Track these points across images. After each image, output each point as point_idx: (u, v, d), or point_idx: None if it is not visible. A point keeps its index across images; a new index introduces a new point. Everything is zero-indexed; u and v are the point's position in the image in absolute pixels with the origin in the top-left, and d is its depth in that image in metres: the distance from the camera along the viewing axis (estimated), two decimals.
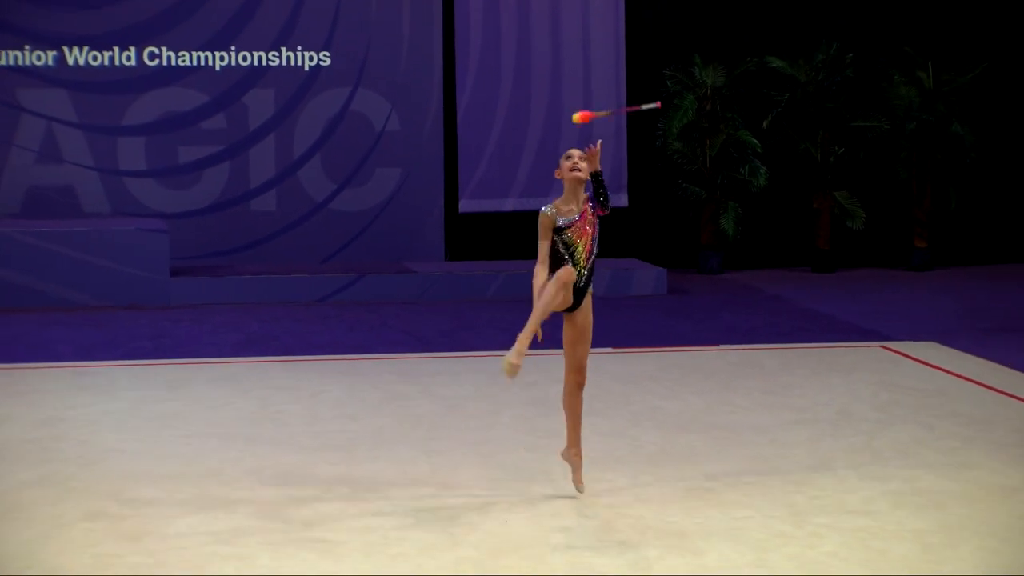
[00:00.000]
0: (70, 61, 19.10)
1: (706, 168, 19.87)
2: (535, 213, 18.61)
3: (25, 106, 18.98)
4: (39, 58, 19.04)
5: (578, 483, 9.62)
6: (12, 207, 18.93)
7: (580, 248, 9.16)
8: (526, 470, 10.39)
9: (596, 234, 9.25)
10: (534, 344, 9.12)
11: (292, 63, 19.47)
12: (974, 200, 20.73)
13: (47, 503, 9.71)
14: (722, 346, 14.97)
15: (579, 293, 9.15)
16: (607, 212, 9.27)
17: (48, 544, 8.91)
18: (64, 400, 12.63)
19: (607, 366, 13.97)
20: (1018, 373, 13.50)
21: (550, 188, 19.61)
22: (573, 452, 9.60)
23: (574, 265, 9.13)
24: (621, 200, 19.93)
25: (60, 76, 19.04)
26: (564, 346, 9.33)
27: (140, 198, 19.14)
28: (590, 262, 9.23)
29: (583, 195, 9.23)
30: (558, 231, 9.16)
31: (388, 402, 12.54)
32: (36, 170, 19.02)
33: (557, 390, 13.78)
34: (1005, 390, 12.83)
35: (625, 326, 16.21)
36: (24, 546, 8.88)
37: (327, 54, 19.51)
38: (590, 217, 9.23)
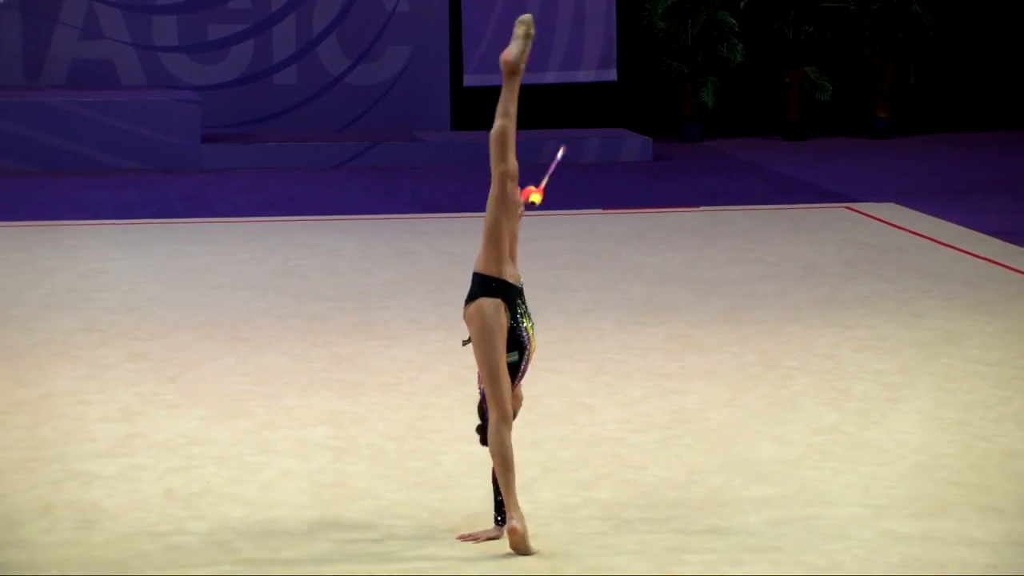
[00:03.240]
0: None
1: (688, 46, 19.73)
2: (531, 87, 18.47)
3: None
4: None
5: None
6: (57, 79, 18.81)
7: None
8: None
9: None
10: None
11: None
12: (932, 74, 20.60)
13: (91, 347, 9.75)
14: (702, 208, 14.95)
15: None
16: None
17: (93, 383, 8.95)
18: (105, 254, 12.63)
19: (598, 226, 13.96)
20: (969, 231, 13.50)
21: (546, 64, 19.46)
22: (517, 519, 6.35)
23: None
24: (611, 75, 19.81)
25: None
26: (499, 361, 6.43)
27: (173, 71, 19.00)
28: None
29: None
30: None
31: (399, 258, 12.55)
32: (78, 45, 18.86)
33: (554, 244, 13.80)
34: (957, 246, 12.83)
35: (614, 189, 16.18)
36: (73, 383, 8.93)
37: None
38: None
